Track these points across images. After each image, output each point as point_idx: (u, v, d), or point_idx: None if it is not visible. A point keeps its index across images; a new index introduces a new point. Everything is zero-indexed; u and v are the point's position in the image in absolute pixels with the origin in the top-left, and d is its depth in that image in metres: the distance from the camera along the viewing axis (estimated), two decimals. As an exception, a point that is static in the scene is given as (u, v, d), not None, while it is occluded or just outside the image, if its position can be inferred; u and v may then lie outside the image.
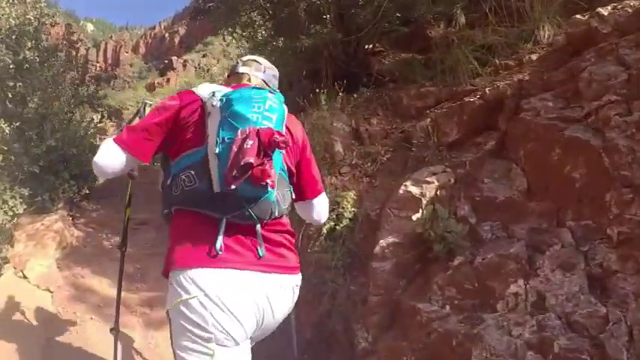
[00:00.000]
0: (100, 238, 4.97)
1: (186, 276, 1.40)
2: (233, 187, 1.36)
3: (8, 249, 3.71)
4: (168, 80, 55.74)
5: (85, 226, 5.26)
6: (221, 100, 1.48)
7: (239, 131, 1.40)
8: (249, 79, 1.75)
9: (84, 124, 6.52)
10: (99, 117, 7.27)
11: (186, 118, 1.53)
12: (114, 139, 1.57)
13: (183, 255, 1.44)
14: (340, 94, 4.63)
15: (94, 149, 4.13)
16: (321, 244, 3.30)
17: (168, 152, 1.60)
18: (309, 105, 4.58)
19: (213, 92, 1.53)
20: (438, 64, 4.29)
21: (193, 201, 1.47)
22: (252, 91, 1.52)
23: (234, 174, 1.35)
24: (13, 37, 4.84)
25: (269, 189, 1.42)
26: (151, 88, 53.92)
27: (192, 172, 1.46)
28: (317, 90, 4.64)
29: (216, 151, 1.41)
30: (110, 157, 1.56)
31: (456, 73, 4.01)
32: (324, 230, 3.33)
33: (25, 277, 3.61)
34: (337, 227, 3.34)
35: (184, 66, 60.39)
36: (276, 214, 1.54)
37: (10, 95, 4.51)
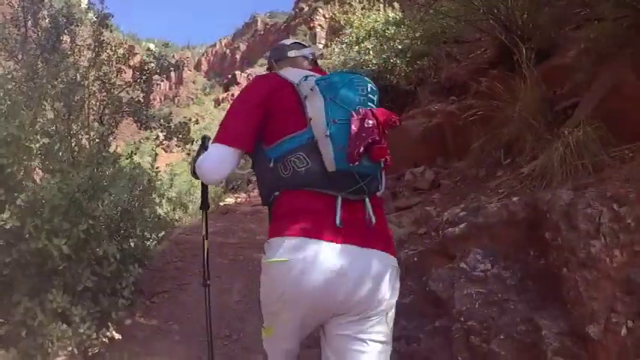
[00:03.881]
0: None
1: (297, 242, 1.42)
2: (356, 163, 1.41)
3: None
4: (233, 95, 57.76)
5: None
6: (318, 84, 1.53)
7: (353, 112, 1.46)
8: (304, 59, 1.85)
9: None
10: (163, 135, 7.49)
11: (281, 101, 1.57)
12: (213, 141, 1.62)
13: (298, 226, 1.44)
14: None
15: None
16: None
17: (262, 138, 1.60)
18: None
19: (306, 76, 1.59)
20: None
21: (307, 181, 1.48)
22: (350, 75, 1.59)
23: (361, 150, 1.40)
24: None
25: (381, 164, 1.53)
26: (217, 102, 55.87)
27: (302, 154, 1.48)
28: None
29: (328, 132, 1.44)
30: (222, 159, 1.60)
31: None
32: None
33: None
34: None
35: (248, 79, 62.13)
36: (381, 188, 1.63)
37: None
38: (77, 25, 5.36)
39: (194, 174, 1.79)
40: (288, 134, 1.52)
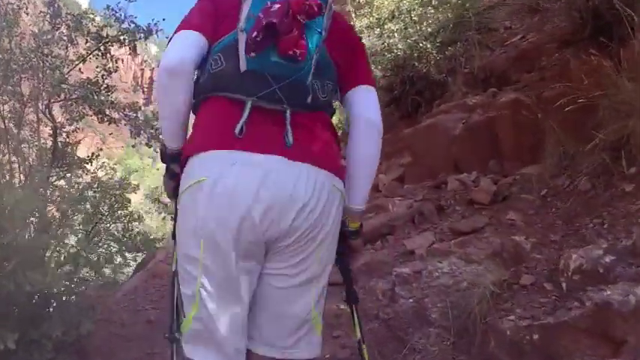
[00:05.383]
0: None
1: (198, 159, 1.27)
2: (253, 54, 1.22)
3: None
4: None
5: None
6: None
7: (268, 2, 1.22)
8: None
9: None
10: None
11: (223, 4, 1.37)
12: (175, 32, 1.37)
13: (200, 139, 1.30)
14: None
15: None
16: None
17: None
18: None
19: None
20: None
21: (218, 84, 1.30)
22: None
23: (254, 36, 1.19)
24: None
25: (300, 64, 1.24)
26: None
27: (220, 55, 1.30)
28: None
29: (243, 27, 1.26)
30: (183, 42, 1.33)
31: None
32: None
33: None
34: None
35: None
36: (310, 101, 1.30)
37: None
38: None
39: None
40: (219, 37, 1.33)
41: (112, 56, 4.22)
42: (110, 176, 5.08)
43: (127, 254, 4.18)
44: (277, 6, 1.19)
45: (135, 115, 4.41)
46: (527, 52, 6.66)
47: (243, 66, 1.25)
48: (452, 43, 7.04)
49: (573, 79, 3.74)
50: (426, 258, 3.05)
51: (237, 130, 1.22)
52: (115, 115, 4.25)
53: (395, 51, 6.32)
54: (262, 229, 1.21)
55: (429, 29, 6.44)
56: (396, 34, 6.32)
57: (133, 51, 4.48)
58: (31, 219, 2.54)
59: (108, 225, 4.22)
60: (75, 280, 2.62)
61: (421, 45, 6.24)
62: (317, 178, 1.25)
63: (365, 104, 1.44)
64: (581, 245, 2.35)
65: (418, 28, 6.66)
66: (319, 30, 1.28)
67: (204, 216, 1.22)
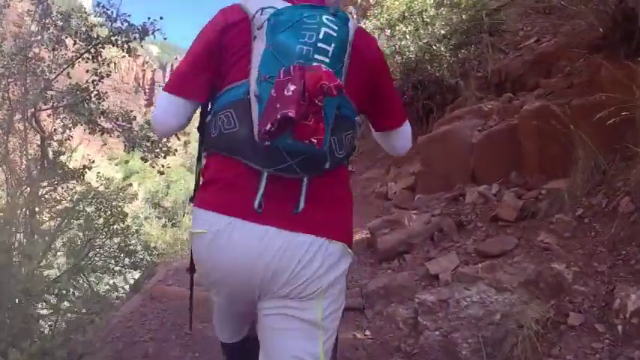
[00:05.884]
0: None
1: (216, 217, 1.23)
2: (267, 143, 1.10)
3: None
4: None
5: None
6: (269, 20, 1.16)
7: (282, 70, 1.07)
8: None
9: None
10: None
11: (233, 40, 1.24)
12: (163, 88, 1.35)
13: (217, 200, 1.24)
14: None
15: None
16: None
17: (217, 85, 1.29)
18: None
19: (262, 8, 1.19)
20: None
21: (232, 147, 1.22)
22: (304, 12, 1.15)
23: (268, 128, 1.06)
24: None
25: (316, 147, 1.12)
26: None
27: (232, 112, 1.20)
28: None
29: (257, 92, 1.15)
30: (166, 109, 1.34)
31: None
32: None
33: None
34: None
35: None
36: (328, 166, 1.23)
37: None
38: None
39: None
40: (232, 83, 1.23)
41: (103, 59, 3.90)
42: (106, 187, 4.79)
43: (124, 272, 3.90)
44: (292, 88, 1.04)
45: (129, 125, 4.05)
46: (545, 55, 6.38)
47: (257, 137, 1.16)
48: (464, 45, 6.78)
49: (605, 88, 3.47)
50: (452, 283, 2.78)
51: (255, 205, 1.20)
52: (108, 125, 3.91)
53: (407, 53, 6.04)
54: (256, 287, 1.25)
55: (442, 31, 6.16)
56: (407, 36, 6.03)
57: (127, 53, 4.15)
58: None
59: (102, 241, 3.94)
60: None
61: (434, 47, 5.96)
62: (321, 247, 1.23)
63: (407, 142, 1.56)
64: (634, 280, 2.08)
65: (430, 30, 6.38)
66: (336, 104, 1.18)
67: (214, 267, 1.29)
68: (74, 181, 4.37)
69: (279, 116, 1.03)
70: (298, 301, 1.24)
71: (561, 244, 2.70)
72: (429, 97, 6.47)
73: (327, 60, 1.13)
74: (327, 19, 1.15)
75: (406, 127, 1.52)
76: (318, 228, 1.23)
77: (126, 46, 3.92)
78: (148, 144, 3.95)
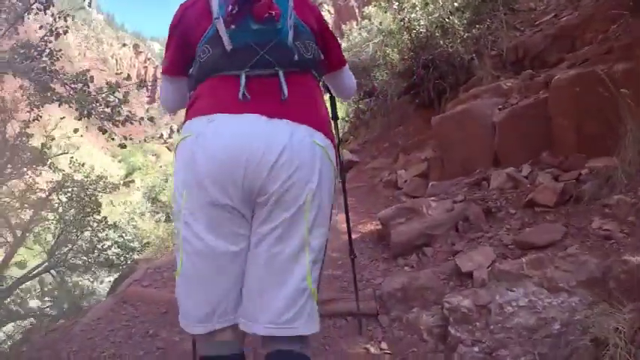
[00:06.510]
0: None
1: (198, 119, 1.32)
2: (233, 26, 1.30)
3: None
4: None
5: None
6: None
7: None
8: None
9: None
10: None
11: (193, 15, 1.42)
12: (161, 72, 1.61)
13: (199, 106, 1.34)
14: None
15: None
16: None
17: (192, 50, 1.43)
18: None
19: None
20: None
21: (210, 68, 1.35)
22: None
23: (230, 9, 1.29)
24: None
25: (277, 26, 1.32)
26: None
27: (207, 45, 1.36)
28: None
29: (217, 14, 1.32)
30: (165, 91, 1.61)
31: None
32: None
33: None
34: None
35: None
36: (297, 59, 1.36)
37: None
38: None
39: None
40: (200, 37, 1.38)
41: (59, 12, 3.30)
42: (85, 175, 4.23)
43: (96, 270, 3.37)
44: None
45: (85, 88, 3.38)
46: (567, 29, 5.82)
47: (228, 46, 1.31)
48: (477, 22, 6.22)
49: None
50: (490, 283, 2.23)
51: (240, 96, 1.28)
52: (62, 91, 3.31)
53: (417, 27, 5.46)
54: (241, 180, 1.23)
55: (455, 4, 5.58)
56: (417, 8, 5.46)
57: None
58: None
59: (76, 235, 3.40)
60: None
61: (447, 20, 5.38)
62: (293, 133, 1.27)
63: (352, 83, 1.84)
64: None
65: (441, 3, 5.81)
66: None
67: (206, 161, 1.26)
68: (46, 168, 3.81)
69: None
70: (285, 212, 1.24)
71: (627, 231, 2.15)
72: (441, 76, 5.90)
73: None
74: None
75: (347, 68, 1.77)
76: (301, 117, 1.31)
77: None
78: (108, 110, 3.35)
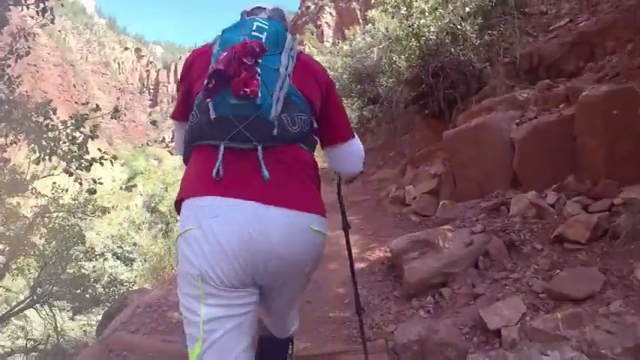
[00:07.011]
0: None
1: (186, 205, 1.36)
2: (209, 100, 1.33)
3: None
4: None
5: None
6: (219, 35, 1.48)
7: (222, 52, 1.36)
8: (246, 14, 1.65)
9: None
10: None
11: (198, 68, 1.47)
12: (170, 116, 1.71)
13: (186, 185, 1.40)
14: None
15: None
16: None
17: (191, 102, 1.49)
18: None
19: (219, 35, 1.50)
20: None
21: (196, 134, 1.40)
22: (243, 20, 1.52)
23: (206, 83, 1.32)
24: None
25: (256, 102, 1.31)
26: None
27: (196, 110, 1.39)
28: None
29: (206, 81, 1.35)
30: (177, 134, 1.68)
31: None
32: None
33: None
34: None
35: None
36: (276, 134, 1.34)
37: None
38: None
39: None
40: (196, 94, 1.42)
41: (20, 29, 3.00)
42: (74, 197, 3.93)
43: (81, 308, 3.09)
44: (225, 53, 1.33)
45: (46, 121, 2.97)
46: (586, 36, 5.52)
47: (212, 114, 1.33)
48: (489, 27, 5.92)
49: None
50: (520, 344, 1.93)
51: (214, 174, 1.29)
52: (25, 123, 2.95)
53: (427, 34, 5.16)
54: (245, 273, 1.29)
55: (467, 9, 5.28)
56: (427, 14, 5.16)
57: (42, 14, 3.22)
58: None
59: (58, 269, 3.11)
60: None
61: (459, 27, 5.08)
62: (294, 223, 1.32)
63: (358, 159, 1.73)
64: None
65: (452, 8, 5.51)
66: (276, 67, 1.38)
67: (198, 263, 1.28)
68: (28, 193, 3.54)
69: (211, 70, 1.31)
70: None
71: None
72: (452, 85, 5.59)
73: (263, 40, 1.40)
74: (260, 18, 1.49)
75: (354, 143, 1.67)
76: (292, 201, 1.32)
77: (41, 5, 3.03)
78: (74, 148, 2.98)
